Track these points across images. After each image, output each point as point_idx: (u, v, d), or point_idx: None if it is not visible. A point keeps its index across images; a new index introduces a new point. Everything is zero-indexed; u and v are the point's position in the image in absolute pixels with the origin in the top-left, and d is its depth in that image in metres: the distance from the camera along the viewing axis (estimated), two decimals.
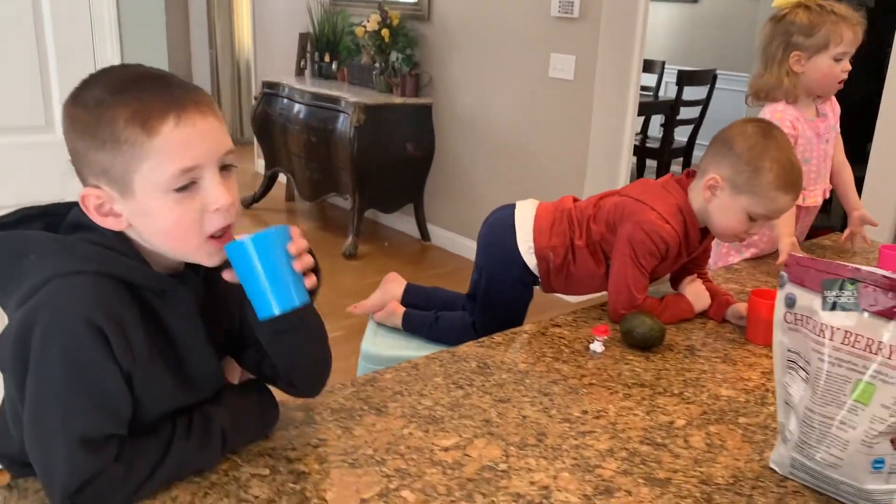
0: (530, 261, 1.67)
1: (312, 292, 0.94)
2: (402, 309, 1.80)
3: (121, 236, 0.88)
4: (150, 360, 0.87)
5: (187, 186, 0.85)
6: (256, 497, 0.90)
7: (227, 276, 0.90)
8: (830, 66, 1.85)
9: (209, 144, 0.86)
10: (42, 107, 1.92)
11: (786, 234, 1.83)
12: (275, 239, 0.89)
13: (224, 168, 0.88)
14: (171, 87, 0.85)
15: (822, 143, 1.96)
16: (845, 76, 1.87)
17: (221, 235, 0.89)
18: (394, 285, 1.90)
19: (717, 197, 1.47)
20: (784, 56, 1.88)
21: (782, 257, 1.81)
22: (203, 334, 0.94)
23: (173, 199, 0.85)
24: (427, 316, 1.78)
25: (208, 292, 0.96)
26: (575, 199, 1.71)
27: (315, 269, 0.95)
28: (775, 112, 1.88)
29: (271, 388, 1.05)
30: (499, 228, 1.73)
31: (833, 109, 2.01)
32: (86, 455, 0.81)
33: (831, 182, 2.06)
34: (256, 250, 0.87)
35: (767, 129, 1.47)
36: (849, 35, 1.84)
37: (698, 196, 1.50)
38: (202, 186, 0.86)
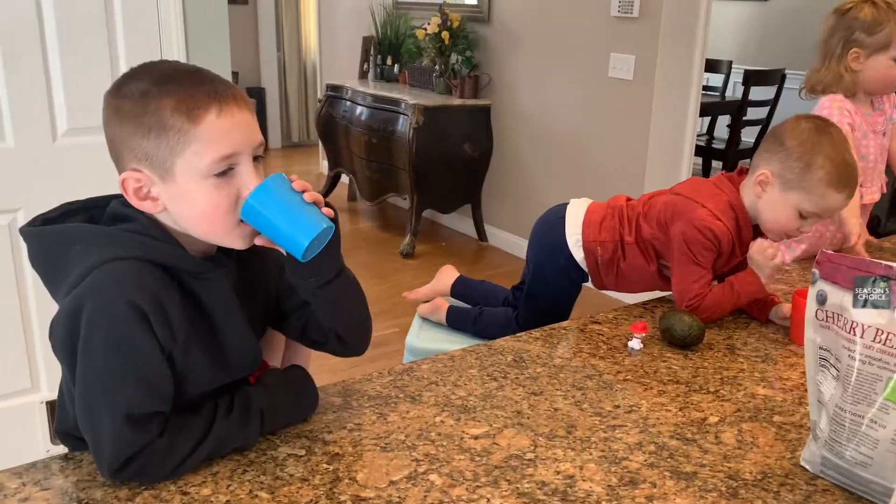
0: (577, 253, 1.69)
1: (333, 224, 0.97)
2: (447, 304, 1.84)
3: (157, 224, 0.95)
4: (190, 340, 0.93)
5: (225, 172, 0.91)
6: (291, 475, 0.95)
7: (259, 241, 0.95)
8: (889, 67, 1.81)
9: (246, 134, 0.92)
10: None
11: (852, 215, 1.79)
12: (274, 184, 0.92)
13: (255, 159, 0.94)
14: (211, 82, 0.91)
15: (879, 138, 1.91)
16: None
17: None
18: (447, 275, 1.98)
19: (766, 193, 1.46)
20: (843, 52, 1.85)
21: (853, 238, 1.78)
22: (239, 313, 0.99)
23: (212, 184, 0.91)
24: (470, 311, 1.81)
25: (242, 272, 1.02)
26: (628, 199, 1.71)
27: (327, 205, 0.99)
28: (834, 101, 1.84)
29: (313, 374, 1.11)
30: (550, 222, 1.75)
31: (889, 101, 1.95)
32: (131, 430, 0.87)
33: (892, 170, 2.01)
34: (262, 200, 0.91)
35: (822, 125, 1.45)
36: None
37: (749, 192, 1.49)
38: (238, 173, 0.92)
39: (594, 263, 1.68)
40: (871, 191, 1.95)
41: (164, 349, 0.90)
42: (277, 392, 1.03)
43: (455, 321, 1.82)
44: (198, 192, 0.91)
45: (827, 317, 0.97)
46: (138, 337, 0.87)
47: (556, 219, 1.73)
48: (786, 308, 1.48)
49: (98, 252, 0.89)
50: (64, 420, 1.00)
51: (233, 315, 0.99)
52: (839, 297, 0.95)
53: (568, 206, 1.74)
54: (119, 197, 0.97)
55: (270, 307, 1.09)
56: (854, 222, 1.79)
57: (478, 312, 1.81)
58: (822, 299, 0.98)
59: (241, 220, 0.93)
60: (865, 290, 0.93)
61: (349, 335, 1.08)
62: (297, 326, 1.10)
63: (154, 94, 0.89)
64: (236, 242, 0.96)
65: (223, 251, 1.00)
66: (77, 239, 0.91)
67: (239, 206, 0.92)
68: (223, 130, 0.90)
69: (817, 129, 1.44)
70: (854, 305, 0.94)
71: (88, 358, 0.87)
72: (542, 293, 1.75)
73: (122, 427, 0.87)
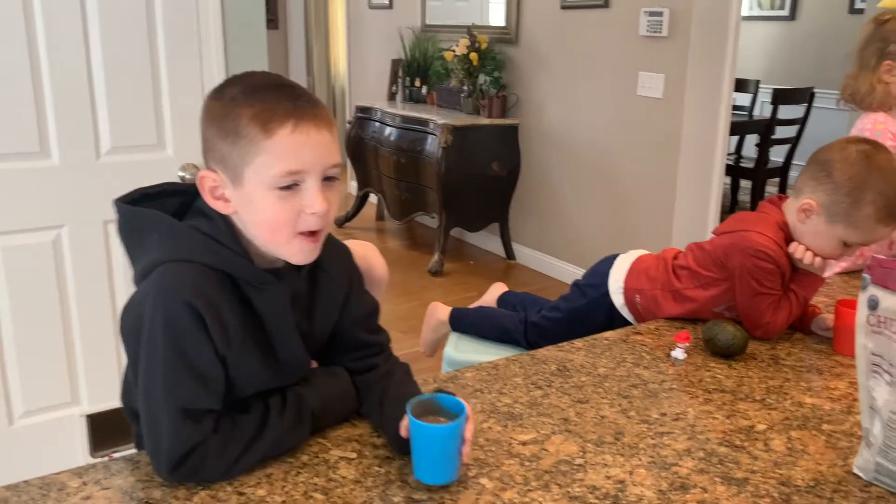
0: (617, 300, 1.65)
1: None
2: (444, 308, 1.90)
3: (231, 228, 0.97)
4: (243, 345, 0.96)
5: (290, 187, 0.93)
6: (344, 477, 0.96)
7: (402, 431, 0.97)
8: None
9: (317, 154, 0.93)
10: (154, 130, 2.10)
11: None
12: (458, 430, 0.94)
13: (327, 179, 0.95)
14: (296, 98, 0.93)
15: None
16: None
17: (312, 234, 0.97)
18: (498, 289, 2.07)
19: (811, 220, 1.43)
20: (877, 63, 1.84)
21: None
22: (292, 326, 1.02)
23: (276, 195, 0.93)
24: (468, 309, 1.89)
25: (309, 286, 1.04)
26: (678, 252, 1.67)
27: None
28: (876, 122, 1.83)
29: None
30: (605, 262, 1.74)
31: None
32: (186, 425, 0.90)
33: None
34: (441, 439, 0.93)
35: (871, 153, 1.38)
36: None
37: (792, 215, 1.46)
38: (303, 189, 0.93)
39: (636, 311, 1.64)
40: None
41: (217, 350, 0.93)
42: (328, 392, 1.05)
43: (458, 323, 1.86)
44: (262, 200, 0.93)
45: (879, 321, 0.97)
46: (192, 335, 0.90)
47: (609, 261, 1.72)
48: (828, 319, 1.47)
49: (170, 248, 0.94)
50: (130, 399, 1.04)
51: (285, 327, 1.01)
52: (892, 302, 0.95)
53: (623, 254, 1.72)
54: None
55: (328, 329, 1.10)
56: None
57: (476, 311, 1.87)
58: (873, 304, 0.98)
59: (300, 234, 0.94)
60: None
61: None
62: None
63: (240, 102, 0.92)
64: (294, 256, 0.97)
65: (293, 268, 1.02)
66: (158, 228, 0.96)
67: (299, 220, 0.93)
68: (293, 146, 0.91)
69: (867, 158, 1.37)
70: None
71: (148, 351, 0.91)
72: (570, 308, 1.75)
73: (178, 420, 0.90)
